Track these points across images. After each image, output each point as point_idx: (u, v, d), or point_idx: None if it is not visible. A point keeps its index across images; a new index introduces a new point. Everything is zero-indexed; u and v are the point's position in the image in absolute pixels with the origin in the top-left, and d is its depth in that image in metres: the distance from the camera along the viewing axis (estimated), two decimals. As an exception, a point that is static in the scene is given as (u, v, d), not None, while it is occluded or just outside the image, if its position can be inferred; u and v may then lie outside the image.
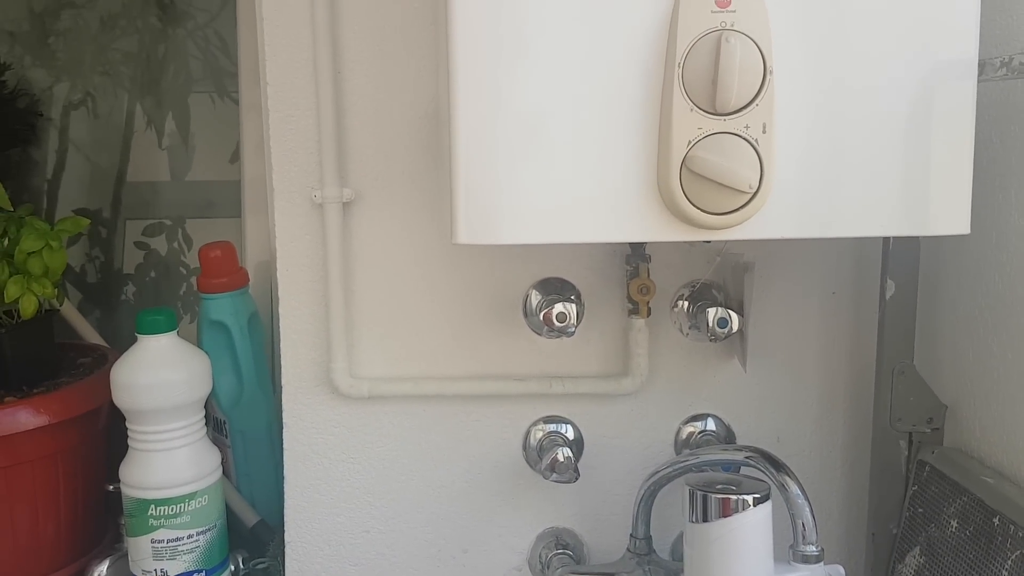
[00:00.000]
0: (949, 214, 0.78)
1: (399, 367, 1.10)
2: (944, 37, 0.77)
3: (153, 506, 1.07)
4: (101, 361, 1.28)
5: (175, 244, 1.84)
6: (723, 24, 0.74)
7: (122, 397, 1.08)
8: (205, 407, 1.13)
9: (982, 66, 0.78)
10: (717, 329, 1.02)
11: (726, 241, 0.82)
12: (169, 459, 1.08)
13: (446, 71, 0.79)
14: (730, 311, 1.02)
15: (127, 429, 1.10)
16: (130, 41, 1.70)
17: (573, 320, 1.02)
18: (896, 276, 0.99)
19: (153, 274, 1.81)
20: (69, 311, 1.43)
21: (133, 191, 1.77)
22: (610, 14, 0.76)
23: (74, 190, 1.74)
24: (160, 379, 1.07)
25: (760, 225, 0.78)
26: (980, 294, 0.94)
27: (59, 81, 1.69)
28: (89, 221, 1.29)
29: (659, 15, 0.75)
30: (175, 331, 1.11)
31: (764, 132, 0.75)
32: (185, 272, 1.74)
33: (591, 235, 0.81)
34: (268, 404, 1.25)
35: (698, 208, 0.77)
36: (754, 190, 0.76)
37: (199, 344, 1.21)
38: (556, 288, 1.10)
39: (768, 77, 0.74)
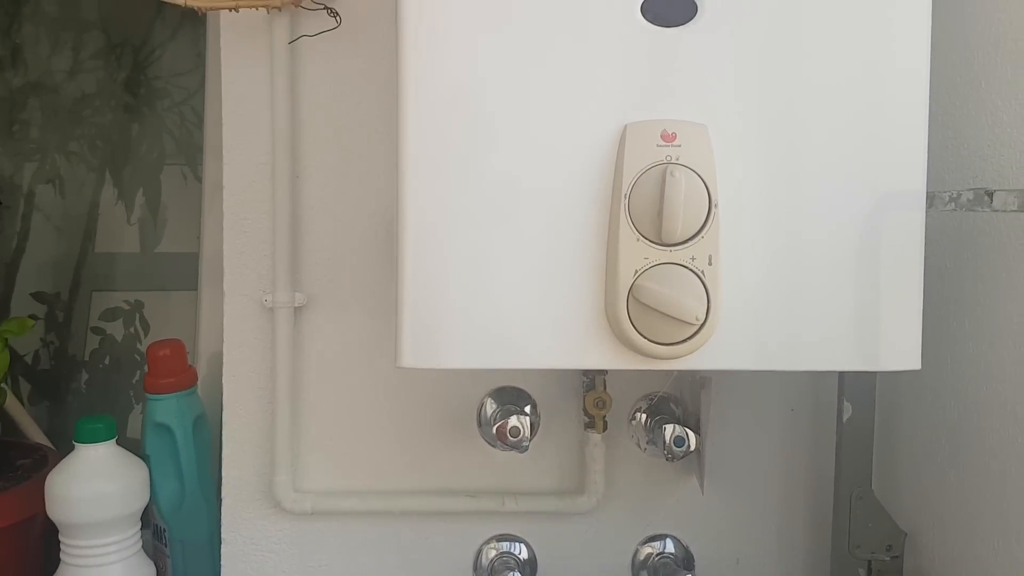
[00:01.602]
0: (900, 350, 0.77)
1: (345, 481, 1.07)
2: (892, 171, 0.77)
3: (82, 625, 1.02)
4: (41, 463, 1.24)
5: (131, 329, 1.81)
6: (668, 158, 0.73)
7: (55, 509, 1.04)
8: (146, 513, 1.09)
9: (931, 199, 0.78)
10: (674, 448, 1.00)
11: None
12: None
13: (397, 191, 0.78)
14: (687, 429, 1.00)
15: (60, 541, 1.05)
16: (104, 119, 1.71)
17: (527, 434, 1.00)
18: (852, 399, 0.98)
19: (107, 360, 1.78)
20: (13, 407, 1.39)
21: (101, 263, 1.75)
22: (558, 143, 0.76)
23: (34, 272, 1.71)
24: (95, 492, 1.03)
25: (709, 356, 0.76)
26: (938, 420, 0.92)
27: (23, 165, 1.68)
28: (33, 323, 1.26)
29: (606, 146, 0.75)
30: (114, 439, 1.07)
31: (710, 264, 0.74)
32: (139, 359, 1.70)
33: (539, 361, 0.79)
34: (211, 513, 1.20)
35: (645, 338, 0.75)
36: (701, 321, 0.74)
37: (143, 445, 1.17)
38: (511, 398, 1.07)
39: (713, 210, 0.74)
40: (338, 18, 1.01)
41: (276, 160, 1.04)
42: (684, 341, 0.75)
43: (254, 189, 1.05)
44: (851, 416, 0.98)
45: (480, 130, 0.75)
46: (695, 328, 0.75)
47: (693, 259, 0.74)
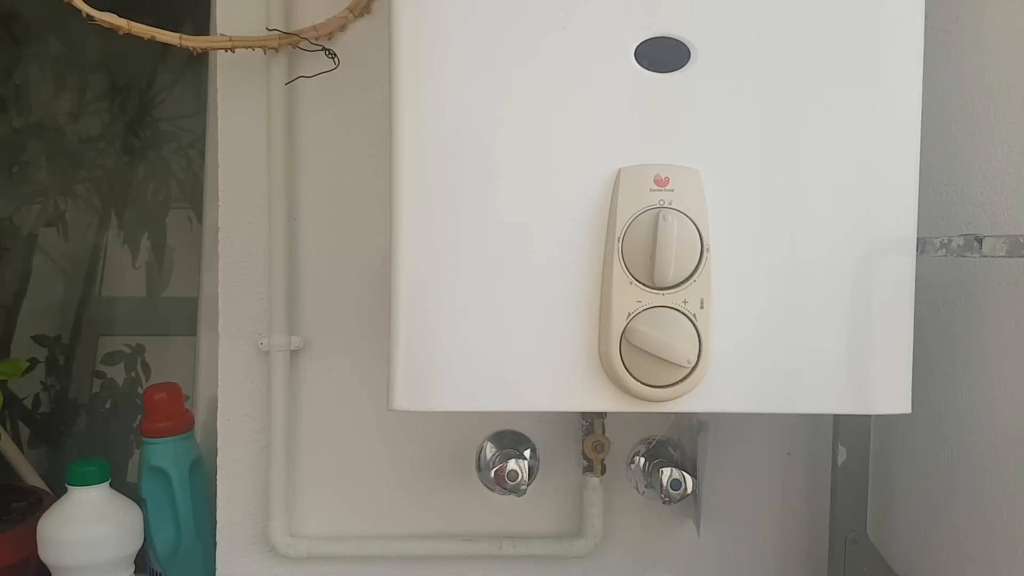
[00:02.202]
0: (890, 393, 0.77)
1: (342, 525, 1.06)
2: (883, 217, 0.77)
3: (73, 673, 1.00)
4: (36, 506, 1.23)
5: (133, 373, 1.81)
6: (661, 202, 0.74)
7: (47, 552, 1.03)
8: (142, 558, 1.08)
9: (922, 245, 0.79)
10: (671, 491, 1.00)
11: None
12: (93, 621, 1.02)
13: (391, 230, 0.79)
14: (684, 472, 1.00)
15: (52, 585, 1.04)
16: (108, 161, 1.71)
17: (525, 478, 1.00)
18: (847, 442, 0.98)
19: (108, 404, 1.77)
20: (9, 449, 1.38)
21: (103, 306, 1.74)
22: (553, 186, 0.76)
23: (35, 315, 1.71)
24: (87, 535, 1.02)
25: (701, 399, 0.76)
26: (931, 465, 0.92)
27: (23, 207, 1.69)
28: (27, 365, 1.26)
29: (600, 190, 0.76)
30: (107, 482, 1.06)
31: (702, 308, 0.75)
32: (140, 404, 1.70)
33: (533, 404, 0.79)
34: (207, 558, 1.19)
35: (638, 380, 0.75)
36: (692, 364, 0.75)
37: (139, 489, 1.16)
38: (511, 441, 1.07)
39: (705, 254, 0.74)
40: (336, 60, 1.02)
41: (272, 201, 1.04)
42: (676, 384, 0.75)
43: (250, 231, 1.06)
44: (846, 460, 0.98)
45: (474, 173, 0.76)
46: (687, 371, 0.75)
47: (685, 302, 0.75)
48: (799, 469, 1.08)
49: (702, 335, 0.74)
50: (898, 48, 0.78)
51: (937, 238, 0.79)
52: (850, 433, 0.97)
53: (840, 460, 0.98)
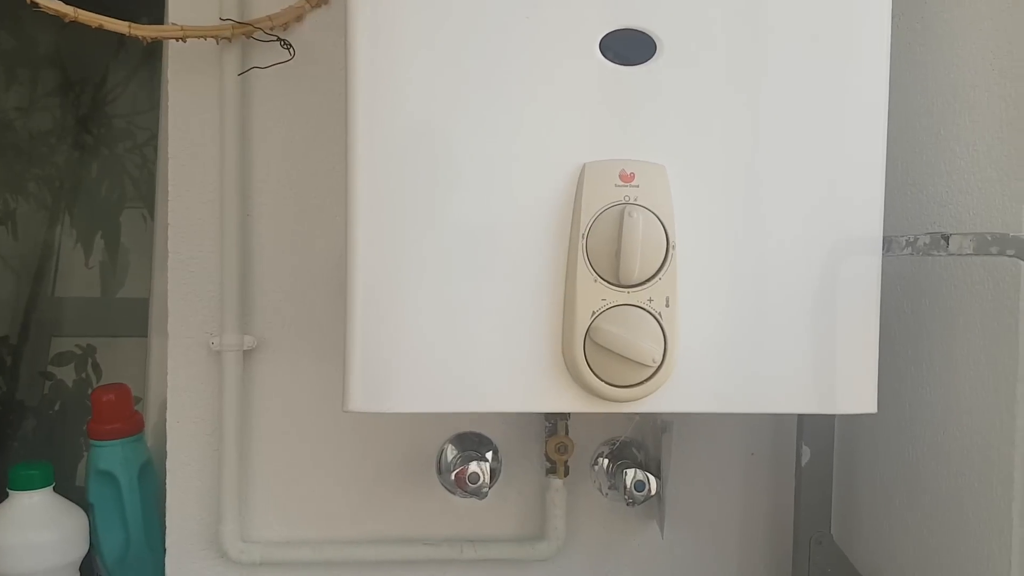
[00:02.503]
0: (856, 393, 0.76)
1: (297, 530, 1.03)
2: (849, 216, 0.76)
3: None
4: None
5: (83, 374, 1.76)
6: (626, 198, 0.72)
7: (-14, 560, 0.99)
8: (90, 563, 1.04)
9: (888, 243, 0.78)
10: (635, 493, 0.98)
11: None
12: (35, 632, 0.98)
13: (347, 225, 0.76)
14: (648, 474, 0.99)
15: (-9, 595, 1.00)
16: (60, 158, 1.67)
17: (486, 481, 0.98)
18: (811, 442, 0.97)
19: (57, 407, 1.72)
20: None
21: (53, 307, 1.70)
22: (516, 181, 0.74)
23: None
24: (29, 541, 0.99)
25: (667, 399, 0.75)
26: (896, 465, 0.91)
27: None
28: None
29: (565, 185, 0.73)
30: (51, 487, 1.02)
31: (667, 306, 0.73)
32: (90, 405, 1.65)
33: (494, 405, 0.76)
34: (157, 564, 1.15)
35: (602, 380, 0.73)
36: (658, 364, 0.73)
37: (87, 494, 1.12)
38: (472, 443, 1.05)
39: (671, 251, 0.73)
40: (292, 50, 0.99)
41: (225, 196, 1.01)
42: (641, 384, 0.74)
43: (202, 227, 1.02)
44: (810, 460, 0.97)
45: (433, 168, 0.74)
46: (652, 370, 0.73)
47: (651, 300, 0.73)
48: (763, 469, 1.07)
49: (667, 334, 0.73)
50: (865, 41, 0.77)
51: (903, 237, 0.78)
52: (814, 433, 0.97)
53: (804, 460, 0.97)
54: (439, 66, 0.74)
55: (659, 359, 0.73)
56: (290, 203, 1.03)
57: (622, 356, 0.72)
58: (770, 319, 0.75)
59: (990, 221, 0.79)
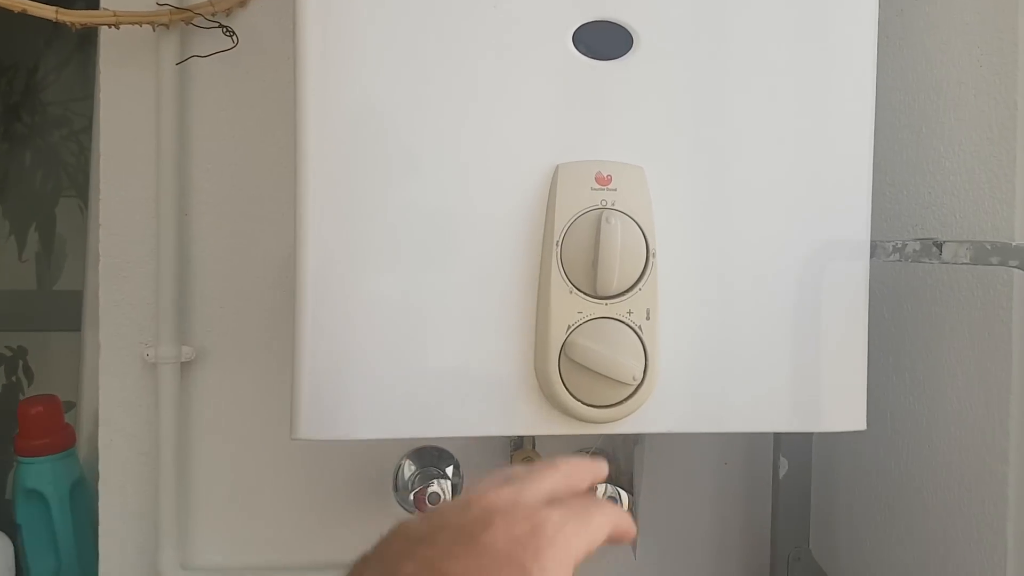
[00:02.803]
0: (844, 409, 0.72)
1: (242, 555, 0.96)
2: (834, 220, 0.72)
3: None
4: None
5: (13, 378, 1.66)
6: (603, 202, 0.67)
7: None
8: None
9: (874, 249, 0.74)
10: (604, 508, 0.93)
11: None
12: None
13: (295, 232, 0.70)
14: (619, 489, 0.94)
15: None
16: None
17: (448, 499, 0.92)
18: (789, 454, 0.93)
19: (-17, 416, 1.61)
20: None
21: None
22: (483, 182, 0.68)
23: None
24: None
25: (647, 419, 0.70)
26: (876, 478, 0.88)
27: None
28: None
29: (536, 188, 0.68)
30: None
31: (648, 318, 0.68)
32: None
33: (460, 429, 0.70)
34: (91, 590, 1.08)
35: (579, 400, 0.68)
36: (638, 381, 0.68)
37: (13, 515, 1.04)
38: (432, 459, 0.99)
39: (651, 260, 0.67)
40: (235, 37, 0.92)
41: (161, 195, 0.93)
42: (620, 403, 0.68)
43: (136, 227, 0.95)
44: (787, 473, 0.93)
45: (390, 168, 0.67)
46: (632, 389, 0.68)
47: (630, 313, 0.67)
48: (737, 480, 1.03)
49: (648, 349, 0.68)
50: (851, 38, 0.73)
51: (890, 242, 0.74)
52: (792, 445, 0.93)
53: (782, 473, 0.93)
54: (397, 55, 0.67)
55: (640, 376, 0.67)
56: (232, 202, 0.96)
57: (601, 374, 0.67)
58: (754, 332, 0.71)
59: (979, 225, 0.75)
